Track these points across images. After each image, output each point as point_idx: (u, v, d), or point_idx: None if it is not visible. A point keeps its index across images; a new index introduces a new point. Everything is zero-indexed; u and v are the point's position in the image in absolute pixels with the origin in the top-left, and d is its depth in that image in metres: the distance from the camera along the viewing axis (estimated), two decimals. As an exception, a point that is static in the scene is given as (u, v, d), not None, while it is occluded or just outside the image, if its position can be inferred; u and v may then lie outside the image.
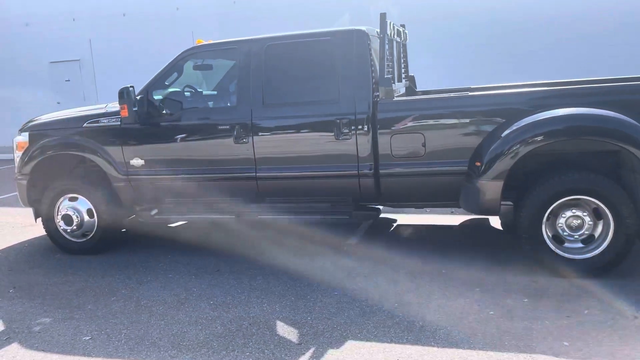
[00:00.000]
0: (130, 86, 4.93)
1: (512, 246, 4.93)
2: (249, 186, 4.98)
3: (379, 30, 4.71)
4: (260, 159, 4.88)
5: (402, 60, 5.91)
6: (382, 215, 5.59)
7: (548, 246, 4.16)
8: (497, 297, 3.90)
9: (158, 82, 5.22)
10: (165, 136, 5.15)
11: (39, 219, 5.67)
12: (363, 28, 4.77)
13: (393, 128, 4.53)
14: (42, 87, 15.88)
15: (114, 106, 5.45)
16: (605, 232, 4.05)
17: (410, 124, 4.51)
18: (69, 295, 4.46)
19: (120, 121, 5.19)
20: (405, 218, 6.20)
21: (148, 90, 5.15)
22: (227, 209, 5.16)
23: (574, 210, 4.11)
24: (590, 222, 4.10)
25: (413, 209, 5.61)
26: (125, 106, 4.88)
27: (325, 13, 12.53)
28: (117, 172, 5.27)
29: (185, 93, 5.56)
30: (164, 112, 5.10)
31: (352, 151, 4.65)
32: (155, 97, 5.20)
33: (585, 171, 4.06)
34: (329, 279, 4.46)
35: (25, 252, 5.77)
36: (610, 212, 3.97)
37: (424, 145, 4.46)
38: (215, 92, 5.72)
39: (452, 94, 4.77)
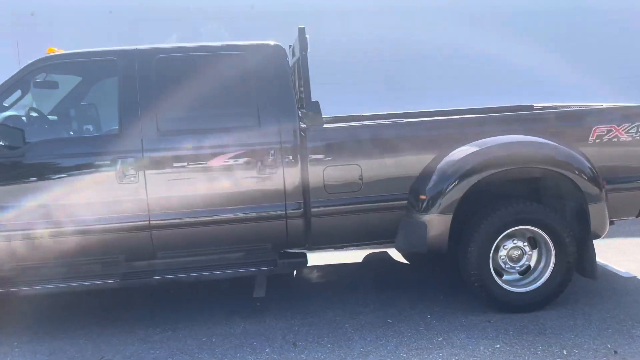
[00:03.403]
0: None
1: (437, 281, 4.68)
2: (139, 238, 3.81)
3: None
4: (155, 202, 3.78)
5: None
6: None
7: (496, 280, 3.94)
8: (468, 342, 3.51)
9: (-7, 102, 3.75)
10: (7, 177, 3.68)
11: None
12: (277, 43, 4.07)
13: (326, 159, 3.90)
14: None
15: None
16: (545, 263, 3.99)
17: (345, 153, 3.93)
18: None
19: None
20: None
21: (-23, 112, 3.65)
22: (106, 271, 3.89)
23: (515, 241, 3.98)
24: (530, 252, 4.02)
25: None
26: (-47, 135, 3.34)
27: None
28: None
29: (32, 117, 4.12)
30: (1, 143, 3.67)
31: (278, 187, 3.88)
32: (-11, 123, 3.72)
33: (528, 200, 3.97)
34: (262, 348, 3.58)
35: None
36: (552, 241, 3.91)
37: (360, 177, 3.92)
38: (76, 116, 4.36)
39: (389, 121, 4.35)
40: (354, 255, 5.63)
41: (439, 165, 3.88)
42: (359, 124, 4.25)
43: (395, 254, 5.50)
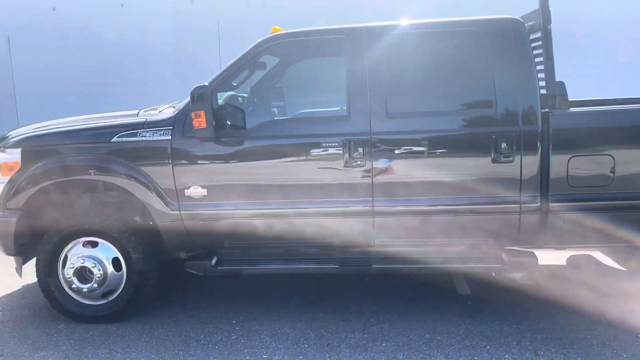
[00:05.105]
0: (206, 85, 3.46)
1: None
2: (361, 224, 3.66)
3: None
4: (380, 187, 3.59)
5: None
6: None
7: None
8: None
9: (226, 81, 3.77)
10: (239, 156, 3.70)
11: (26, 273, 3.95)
12: (516, 17, 3.67)
13: (572, 147, 3.45)
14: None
15: (152, 114, 3.94)
16: None
17: (595, 142, 3.45)
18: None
19: (172, 135, 3.68)
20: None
21: (213, 92, 3.67)
22: (325, 255, 3.80)
23: None
24: None
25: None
26: (202, 113, 3.39)
27: (296, 16, 11.15)
28: (164, 206, 3.71)
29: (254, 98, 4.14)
30: (229, 122, 3.66)
31: (513, 177, 3.50)
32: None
33: None
34: (499, 354, 3.25)
35: (6, 322, 3.97)
36: None
37: (612, 170, 3.42)
38: (291, 96, 4.33)
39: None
40: (552, 256, 5.09)
41: None
42: (615, 109, 3.72)
43: (603, 258, 4.88)
